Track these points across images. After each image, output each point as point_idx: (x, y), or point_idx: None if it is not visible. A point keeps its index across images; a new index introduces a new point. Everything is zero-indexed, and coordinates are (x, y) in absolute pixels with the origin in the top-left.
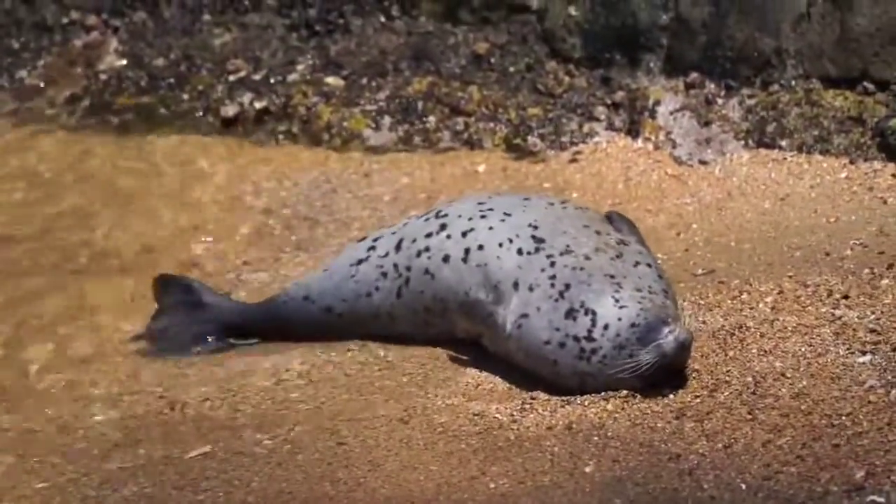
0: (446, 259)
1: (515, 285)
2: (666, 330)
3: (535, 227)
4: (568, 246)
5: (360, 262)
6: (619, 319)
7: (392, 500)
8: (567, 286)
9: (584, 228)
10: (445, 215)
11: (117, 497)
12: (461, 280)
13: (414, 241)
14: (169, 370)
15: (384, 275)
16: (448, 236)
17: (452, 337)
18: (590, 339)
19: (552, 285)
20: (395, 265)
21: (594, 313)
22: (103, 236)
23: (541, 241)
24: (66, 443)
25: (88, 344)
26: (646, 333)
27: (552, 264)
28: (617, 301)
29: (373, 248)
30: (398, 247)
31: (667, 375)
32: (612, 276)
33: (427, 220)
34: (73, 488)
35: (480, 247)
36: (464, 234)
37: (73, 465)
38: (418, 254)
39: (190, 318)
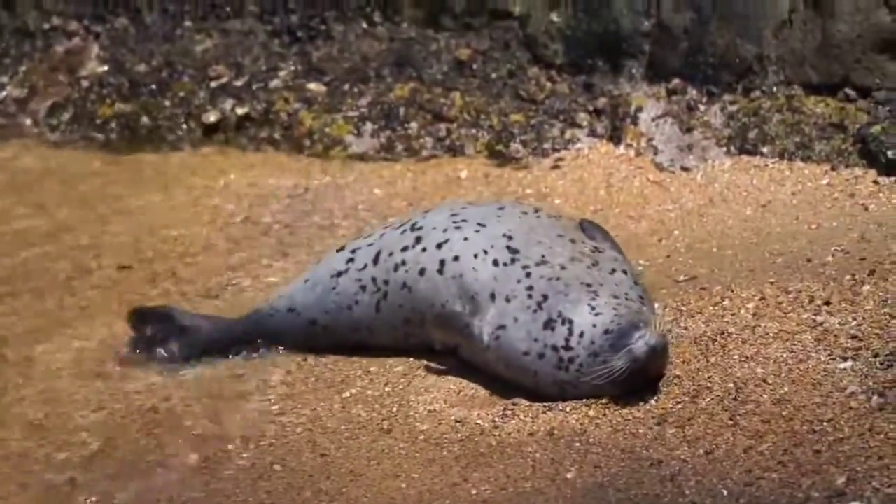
0: (422, 272)
1: (492, 296)
2: (637, 335)
3: (510, 238)
4: (543, 256)
5: (340, 274)
6: (594, 326)
7: None
8: (545, 297)
9: (558, 238)
10: (420, 227)
11: None
12: (437, 292)
13: (391, 254)
14: (151, 382)
15: (363, 288)
16: (423, 249)
17: (431, 348)
18: (567, 348)
19: (529, 296)
20: (374, 279)
21: (571, 322)
22: (84, 246)
23: (515, 251)
24: (48, 452)
25: (69, 355)
26: (618, 339)
27: (528, 275)
28: (593, 309)
29: (351, 259)
30: (376, 260)
31: (644, 382)
32: (589, 285)
33: (403, 232)
34: (53, 496)
35: (456, 258)
36: (439, 246)
37: (52, 474)
38: (395, 268)
39: (171, 344)
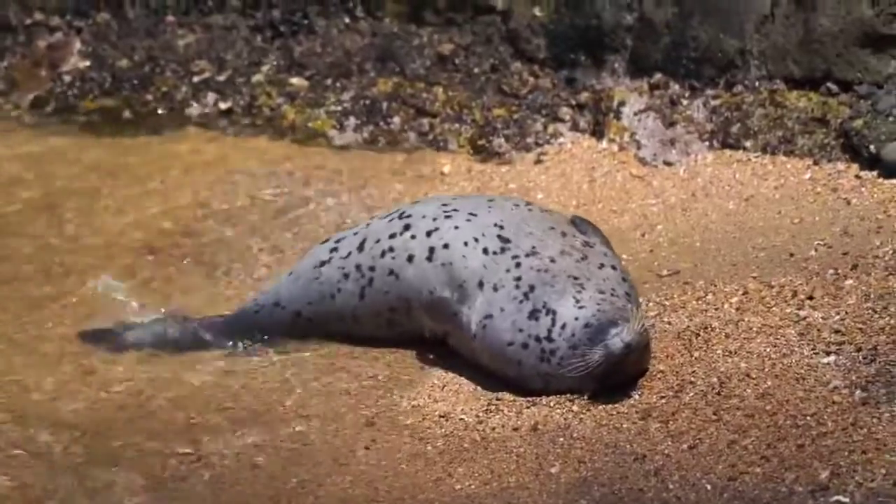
0: (410, 259)
1: (480, 285)
2: (614, 331)
3: (501, 227)
4: (534, 247)
5: (322, 263)
6: (576, 319)
7: (358, 501)
8: (532, 287)
9: (549, 230)
10: (409, 216)
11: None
12: (425, 279)
13: (377, 241)
14: (136, 372)
15: (346, 276)
16: (413, 236)
17: (418, 338)
18: (549, 339)
19: (517, 286)
20: (358, 266)
21: (555, 313)
22: (65, 235)
23: (506, 241)
24: (30, 436)
25: (49, 343)
26: (595, 334)
27: (518, 265)
28: (577, 301)
29: (335, 249)
30: (361, 247)
31: (623, 378)
32: (576, 278)
33: (391, 220)
34: (39, 483)
35: (446, 245)
36: (428, 234)
37: (37, 461)
38: (382, 254)
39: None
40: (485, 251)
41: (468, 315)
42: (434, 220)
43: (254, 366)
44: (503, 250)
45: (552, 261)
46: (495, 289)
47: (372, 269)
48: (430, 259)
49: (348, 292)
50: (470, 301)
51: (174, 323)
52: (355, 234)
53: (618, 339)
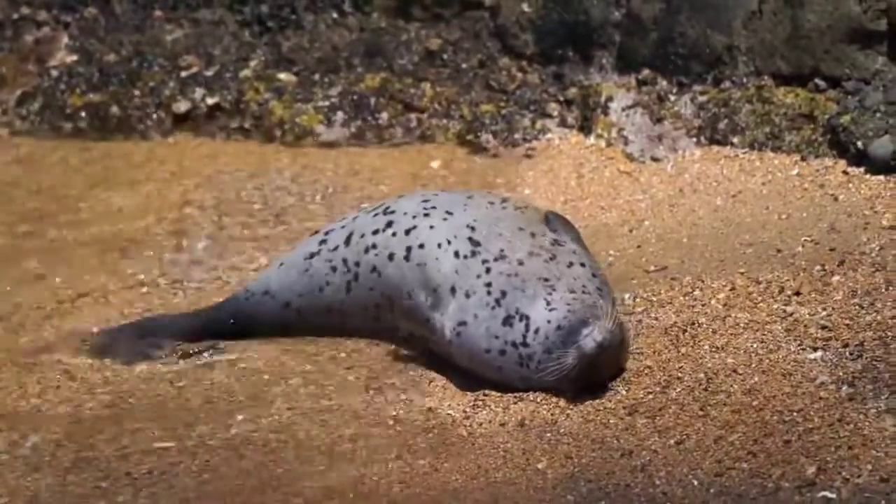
0: (391, 257)
1: (452, 290)
2: (585, 331)
3: (473, 229)
4: (502, 250)
5: (312, 255)
6: (549, 322)
7: (345, 494)
8: (503, 293)
9: (519, 231)
10: (392, 212)
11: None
12: (404, 279)
13: (362, 236)
14: (120, 367)
15: (333, 269)
16: (394, 234)
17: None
18: (525, 344)
19: (489, 293)
20: (345, 260)
21: (528, 318)
22: (53, 234)
23: (477, 244)
24: (14, 440)
25: (32, 342)
26: (567, 336)
27: (488, 270)
28: (548, 304)
29: (324, 241)
30: (347, 241)
31: (600, 377)
32: (547, 280)
33: (375, 215)
34: (22, 483)
35: (421, 245)
36: (407, 232)
37: (21, 461)
38: (366, 250)
39: (141, 339)
40: (456, 255)
41: (441, 321)
42: (413, 217)
43: (238, 357)
44: (473, 254)
45: (520, 263)
46: (467, 295)
47: (357, 264)
48: (407, 259)
49: (335, 286)
50: (443, 307)
51: (160, 320)
52: (343, 227)
53: (590, 339)
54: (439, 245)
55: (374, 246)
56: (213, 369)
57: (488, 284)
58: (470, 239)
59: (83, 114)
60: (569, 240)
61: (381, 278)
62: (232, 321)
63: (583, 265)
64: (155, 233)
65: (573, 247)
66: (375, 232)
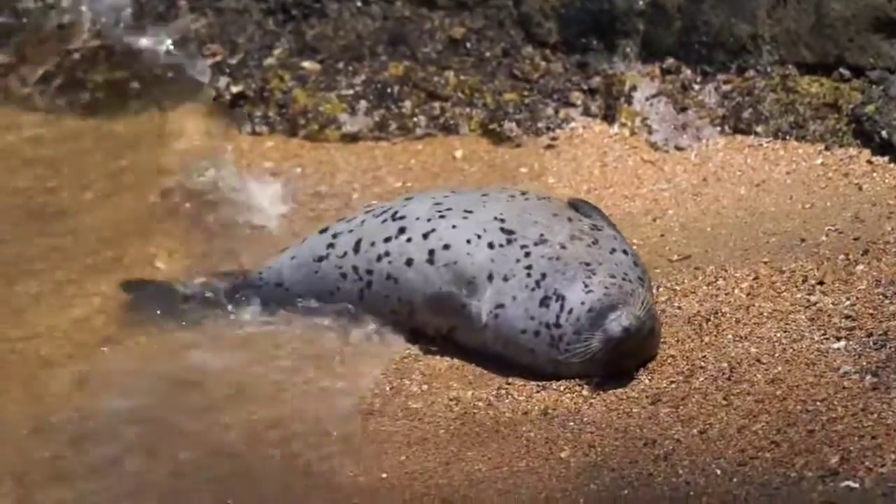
0: (409, 263)
1: (490, 277)
2: (612, 315)
3: (503, 221)
4: (542, 235)
5: (321, 259)
6: (582, 304)
7: (368, 486)
8: (543, 275)
9: (554, 217)
10: (403, 217)
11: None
12: (428, 281)
13: (372, 244)
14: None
15: (343, 276)
16: (409, 240)
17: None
18: (557, 325)
19: (528, 275)
20: (355, 267)
21: (563, 299)
22: (63, 223)
23: (511, 232)
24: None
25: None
26: (596, 318)
27: (527, 254)
28: (586, 286)
29: (332, 245)
30: (356, 248)
31: (629, 363)
32: (588, 264)
33: (384, 221)
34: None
35: (446, 246)
36: (425, 237)
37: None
38: (378, 258)
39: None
40: (490, 245)
41: (478, 306)
42: (429, 220)
43: (250, 345)
44: (510, 242)
45: (563, 247)
46: (506, 279)
47: (370, 272)
48: (430, 262)
49: (347, 291)
50: (479, 293)
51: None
52: (350, 231)
53: (616, 323)
54: (468, 241)
55: (387, 254)
56: (220, 358)
57: (528, 267)
58: (502, 229)
59: (101, 94)
60: (605, 226)
61: (399, 284)
62: (244, 298)
63: (625, 252)
64: (162, 225)
65: (612, 233)
66: (387, 240)
